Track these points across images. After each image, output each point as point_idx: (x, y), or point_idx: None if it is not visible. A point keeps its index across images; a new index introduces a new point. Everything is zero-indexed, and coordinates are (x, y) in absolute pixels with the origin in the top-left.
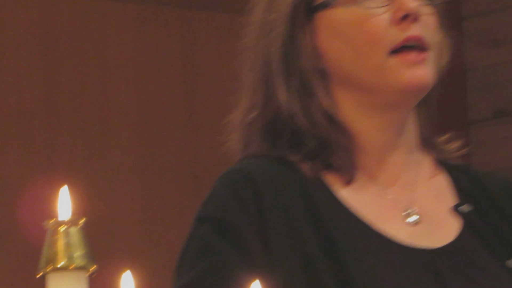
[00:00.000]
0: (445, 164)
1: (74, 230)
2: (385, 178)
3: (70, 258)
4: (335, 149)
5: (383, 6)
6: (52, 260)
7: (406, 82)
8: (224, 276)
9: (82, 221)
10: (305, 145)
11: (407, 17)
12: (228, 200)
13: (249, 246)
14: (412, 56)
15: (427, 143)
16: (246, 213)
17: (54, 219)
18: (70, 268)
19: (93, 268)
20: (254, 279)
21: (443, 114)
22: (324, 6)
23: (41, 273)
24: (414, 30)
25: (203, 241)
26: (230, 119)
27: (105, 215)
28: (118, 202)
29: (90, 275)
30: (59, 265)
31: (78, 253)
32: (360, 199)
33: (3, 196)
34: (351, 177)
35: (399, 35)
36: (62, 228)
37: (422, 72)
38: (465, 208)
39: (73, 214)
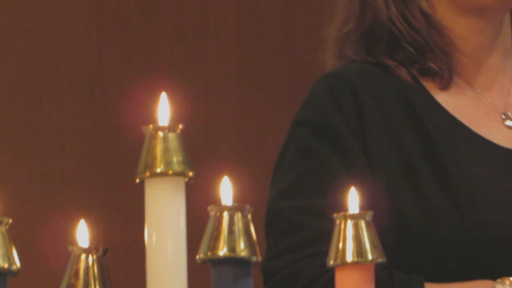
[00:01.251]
0: None
1: (172, 136)
2: (482, 81)
3: (168, 164)
4: (433, 53)
5: None
6: (150, 165)
7: None
8: (324, 178)
9: (180, 127)
10: (402, 51)
11: None
12: (326, 103)
13: (349, 148)
14: None
15: None
16: (345, 115)
17: (153, 124)
18: (168, 173)
19: (191, 174)
20: (354, 181)
21: None
22: None
23: (139, 178)
24: None
25: (302, 144)
26: (326, 33)
27: (203, 121)
28: (216, 108)
29: (188, 181)
30: (157, 171)
31: (176, 159)
32: (457, 103)
33: (102, 99)
34: (448, 81)
35: None
36: (160, 134)
37: None
38: None
39: (172, 119)
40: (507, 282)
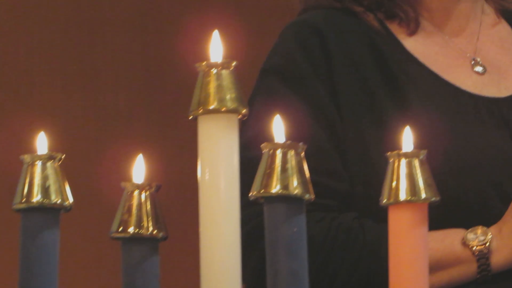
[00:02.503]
0: (506, 13)
1: (226, 73)
2: (451, 27)
3: (222, 101)
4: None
5: None
6: (203, 102)
7: None
8: (292, 127)
9: (233, 64)
10: None
11: None
12: (294, 50)
13: (318, 96)
14: None
15: None
16: (313, 63)
17: (206, 61)
18: (222, 110)
19: (244, 111)
20: (323, 129)
21: None
22: None
23: (192, 115)
24: None
25: (270, 92)
26: None
27: (257, 58)
28: (270, 45)
29: (241, 118)
30: (210, 108)
31: (230, 96)
32: (426, 49)
33: (156, 35)
34: (415, 26)
35: None
36: (214, 71)
37: None
38: None
39: (225, 56)
40: (478, 231)
